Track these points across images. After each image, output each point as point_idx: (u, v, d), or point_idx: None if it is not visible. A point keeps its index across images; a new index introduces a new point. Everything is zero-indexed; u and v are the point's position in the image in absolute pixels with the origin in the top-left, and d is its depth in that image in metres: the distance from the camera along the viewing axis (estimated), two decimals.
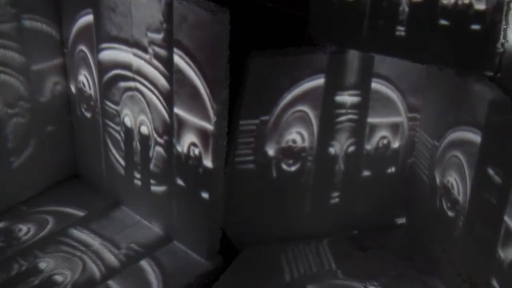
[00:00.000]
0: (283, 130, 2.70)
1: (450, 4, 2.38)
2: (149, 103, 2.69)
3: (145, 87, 2.67)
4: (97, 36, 2.78)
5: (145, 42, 2.58)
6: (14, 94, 2.84)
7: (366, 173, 2.90)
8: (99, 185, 3.13)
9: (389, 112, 2.80)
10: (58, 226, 2.89)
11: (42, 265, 2.68)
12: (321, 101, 2.70)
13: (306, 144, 2.76)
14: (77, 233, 2.86)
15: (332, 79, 2.68)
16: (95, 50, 2.82)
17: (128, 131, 2.84)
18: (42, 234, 2.85)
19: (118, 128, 2.89)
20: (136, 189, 2.93)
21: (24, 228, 2.88)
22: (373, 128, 2.82)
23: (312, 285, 2.68)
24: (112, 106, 2.86)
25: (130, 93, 2.76)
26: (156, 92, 2.63)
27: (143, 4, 2.52)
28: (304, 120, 2.72)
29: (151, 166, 2.80)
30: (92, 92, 2.94)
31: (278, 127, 2.69)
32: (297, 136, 2.74)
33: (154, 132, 2.72)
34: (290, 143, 2.74)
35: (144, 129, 2.76)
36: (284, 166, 2.78)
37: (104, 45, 2.76)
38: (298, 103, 2.68)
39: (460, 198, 2.57)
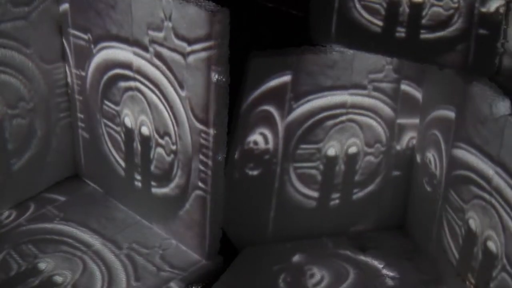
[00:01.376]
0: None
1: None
2: (149, 103, 2.67)
3: (145, 86, 2.65)
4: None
5: (145, 40, 2.56)
6: (14, 94, 2.83)
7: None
8: (96, 183, 3.13)
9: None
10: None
11: (42, 265, 2.67)
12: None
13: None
14: (77, 232, 2.85)
15: (330, 79, 2.68)
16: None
17: (129, 132, 2.83)
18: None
19: (118, 128, 2.88)
20: (136, 190, 2.92)
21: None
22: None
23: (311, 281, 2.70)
24: (112, 106, 2.85)
25: (130, 93, 2.75)
26: (157, 91, 2.62)
27: (143, 1, 2.49)
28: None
29: (152, 168, 2.79)
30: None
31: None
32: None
33: (155, 132, 2.71)
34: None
35: (145, 130, 2.75)
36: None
37: (103, 43, 2.75)
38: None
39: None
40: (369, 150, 2.84)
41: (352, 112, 2.76)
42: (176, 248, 2.80)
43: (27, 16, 2.76)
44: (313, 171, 2.84)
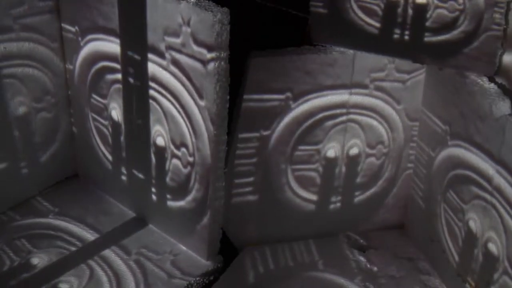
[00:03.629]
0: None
1: None
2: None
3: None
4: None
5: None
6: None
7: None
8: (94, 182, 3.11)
9: None
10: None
11: (35, 260, 2.64)
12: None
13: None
14: (73, 227, 2.82)
15: (330, 77, 2.66)
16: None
17: (115, 125, 2.79)
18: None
19: (106, 122, 2.85)
20: (123, 184, 2.90)
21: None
22: None
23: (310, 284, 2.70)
24: (100, 99, 2.83)
25: (117, 85, 2.71)
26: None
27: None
28: None
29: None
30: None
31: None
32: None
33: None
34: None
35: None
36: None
37: (90, 36, 2.73)
38: None
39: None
40: (371, 151, 2.84)
41: (354, 112, 2.73)
42: (187, 253, 2.77)
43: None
44: (312, 174, 2.82)
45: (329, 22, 2.59)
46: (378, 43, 2.56)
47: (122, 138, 2.78)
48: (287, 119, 2.69)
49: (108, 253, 2.71)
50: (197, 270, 2.68)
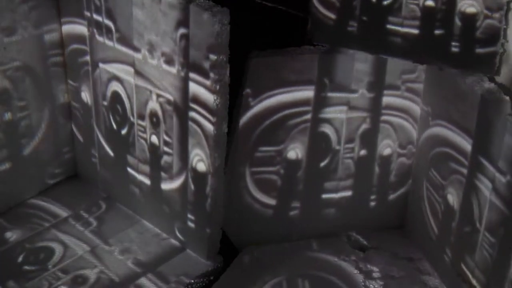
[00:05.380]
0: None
1: None
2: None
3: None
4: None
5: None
6: None
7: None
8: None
9: None
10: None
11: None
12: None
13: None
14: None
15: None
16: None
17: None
18: None
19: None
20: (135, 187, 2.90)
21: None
22: None
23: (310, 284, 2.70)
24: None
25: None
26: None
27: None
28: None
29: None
30: None
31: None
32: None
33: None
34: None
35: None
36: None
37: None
38: None
39: None
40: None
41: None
42: (175, 247, 2.77)
43: None
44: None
45: (329, 22, 2.59)
46: (380, 44, 2.56)
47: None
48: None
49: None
50: (197, 270, 2.69)
